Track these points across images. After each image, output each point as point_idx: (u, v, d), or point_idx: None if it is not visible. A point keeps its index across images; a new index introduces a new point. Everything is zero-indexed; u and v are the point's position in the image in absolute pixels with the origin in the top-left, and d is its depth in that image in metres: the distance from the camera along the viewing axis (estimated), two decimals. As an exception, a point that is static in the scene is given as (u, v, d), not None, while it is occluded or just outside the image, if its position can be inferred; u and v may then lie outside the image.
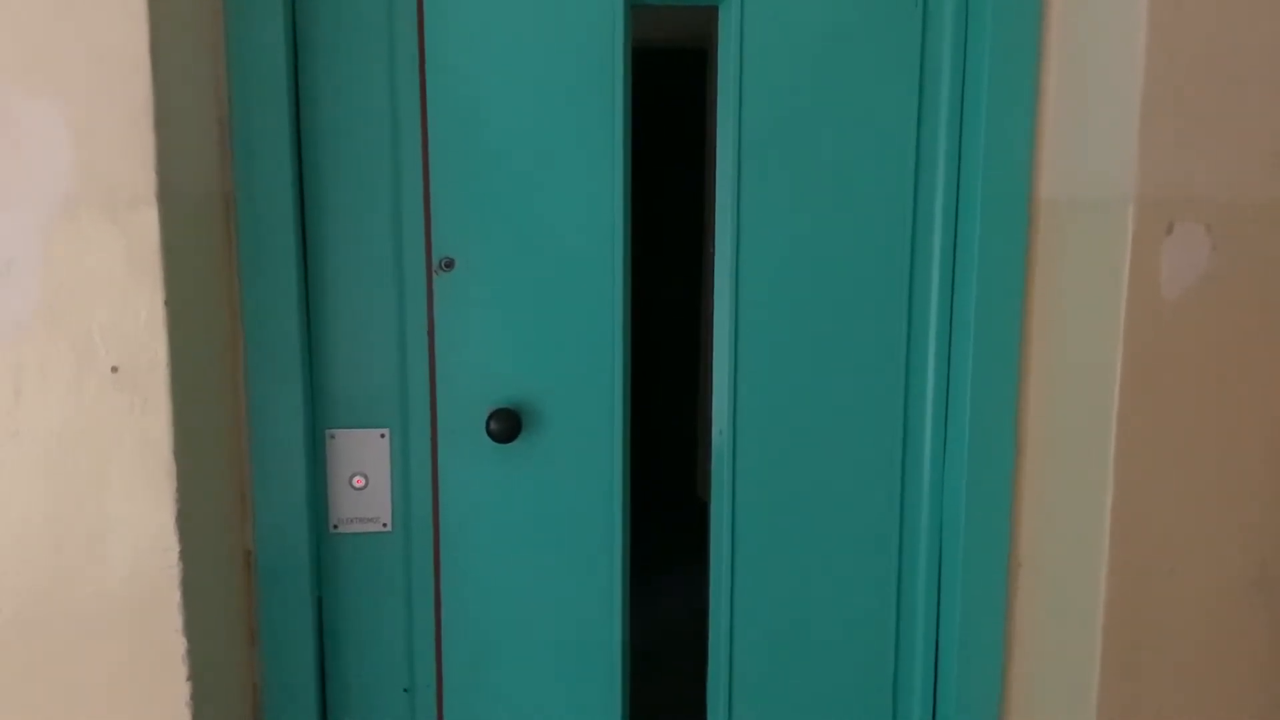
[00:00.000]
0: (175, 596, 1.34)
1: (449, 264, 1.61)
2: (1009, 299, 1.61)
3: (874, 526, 1.73)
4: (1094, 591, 1.47)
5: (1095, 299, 1.45)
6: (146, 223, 1.26)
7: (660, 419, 4.26)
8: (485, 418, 1.62)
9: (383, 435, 1.63)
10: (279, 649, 1.60)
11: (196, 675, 1.37)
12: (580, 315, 1.64)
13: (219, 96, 1.46)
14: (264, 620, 1.58)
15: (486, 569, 1.69)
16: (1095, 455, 1.45)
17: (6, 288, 1.26)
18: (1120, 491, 1.43)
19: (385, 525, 1.65)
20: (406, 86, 1.56)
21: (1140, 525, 1.45)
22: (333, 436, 1.62)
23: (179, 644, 1.35)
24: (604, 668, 1.74)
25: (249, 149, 1.48)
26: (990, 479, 1.65)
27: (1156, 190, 1.37)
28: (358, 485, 1.63)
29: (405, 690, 1.70)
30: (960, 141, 1.63)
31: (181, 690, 1.36)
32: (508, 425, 1.61)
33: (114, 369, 1.29)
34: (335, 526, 1.64)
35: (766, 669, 1.76)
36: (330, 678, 1.68)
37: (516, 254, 1.62)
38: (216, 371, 1.47)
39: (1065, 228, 1.54)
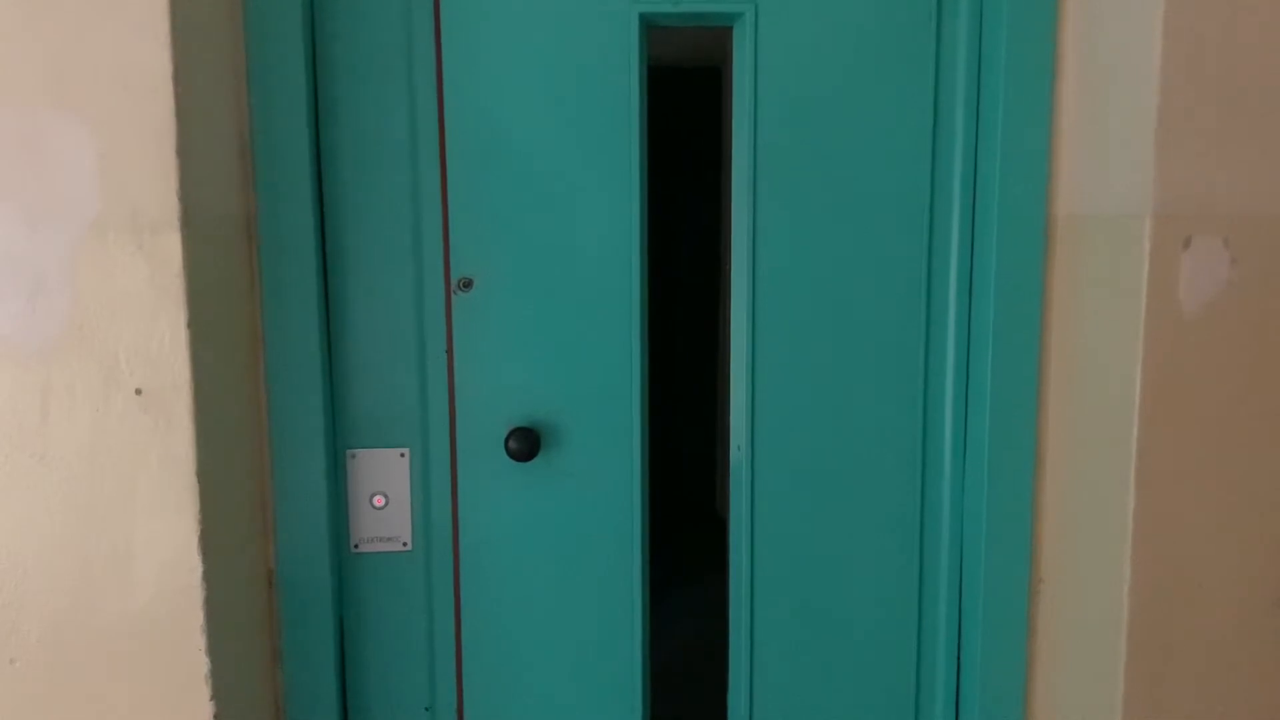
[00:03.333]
0: (198, 616, 1.35)
1: (467, 284, 1.62)
2: (1027, 314, 1.60)
3: (893, 543, 1.73)
4: (1116, 609, 1.46)
5: (1114, 314, 1.45)
6: (170, 246, 1.28)
7: (679, 435, 4.27)
8: (504, 436, 1.63)
9: (403, 455, 1.64)
10: (301, 668, 1.61)
11: (219, 695, 1.38)
12: (598, 333, 1.65)
13: (241, 120, 1.49)
14: (286, 639, 1.59)
15: (507, 587, 1.69)
16: (1116, 471, 1.45)
17: (35, 309, 1.28)
18: (1142, 507, 1.42)
19: (405, 544, 1.66)
20: (425, 108, 1.58)
21: (1162, 542, 1.44)
22: (353, 456, 1.63)
23: (202, 663, 1.36)
24: (625, 684, 1.74)
25: (270, 172, 1.51)
26: (1010, 495, 1.64)
27: (1174, 204, 1.37)
28: (378, 505, 1.65)
29: (426, 709, 1.70)
30: (976, 158, 1.64)
31: (205, 710, 1.37)
32: (527, 444, 1.61)
33: (138, 391, 1.31)
34: (356, 546, 1.65)
35: (787, 686, 1.76)
36: (352, 697, 1.68)
37: (534, 273, 1.63)
38: (239, 392, 1.49)
39: (1083, 242, 1.54)
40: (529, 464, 1.65)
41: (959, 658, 1.75)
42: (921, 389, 1.70)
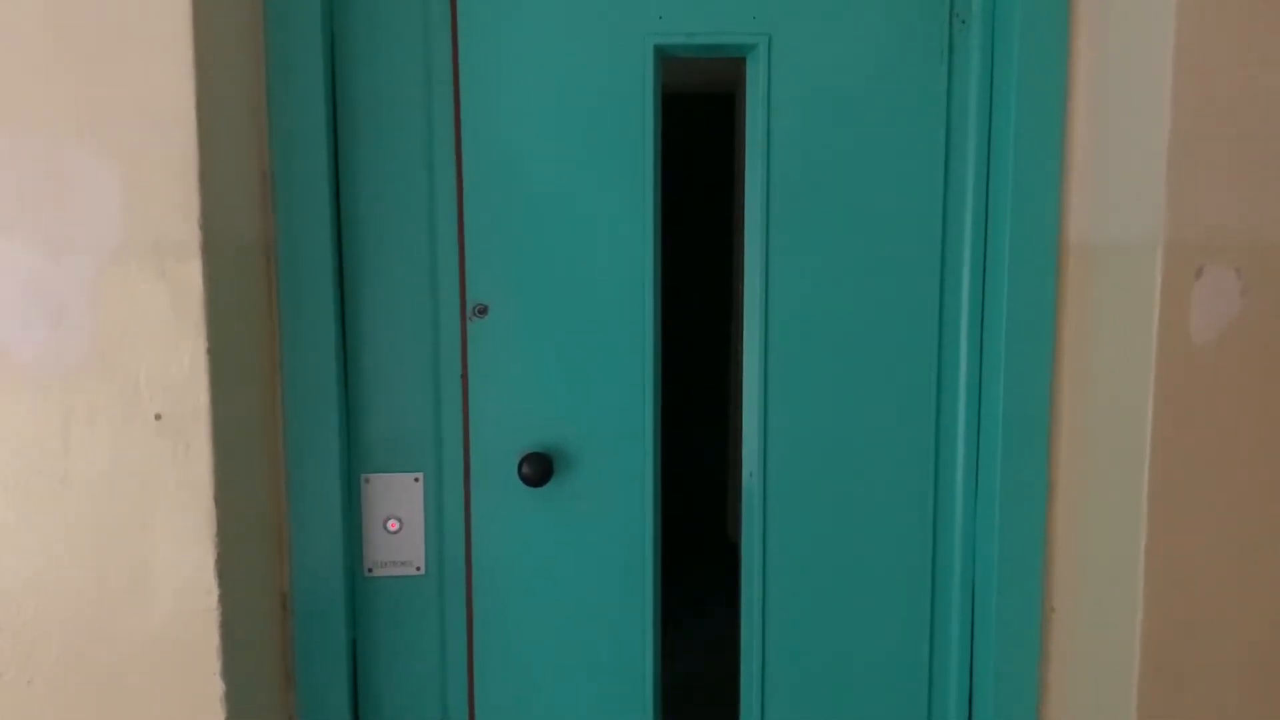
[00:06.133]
0: (214, 640, 1.36)
1: (482, 310, 1.63)
2: (1039, 343, 1.61)
3: (905, 570, 1.73)
4: (1129, 637, 1.45)
5: (1125, 343, 1.45)
6: (191, 273, 1.30)
7: (691, 461, 4.26)
8: (518, 462, 1.64)
9: (417, 479, 1.65)
10: (314, 692, 1.61)
11: (234, 718, 1.38)
12: (611, 359, 1.66)
13: (261, 148, 1.51)
14: (299, 663, 1.60)
15: (519, 612, 1.70)
16: (1128, 500, 1.44)
17: (58, 335, 1.30)
18: (1154, 536, 1.42)
19: (419, 569, 1.67)
20: (442, 136, 1.60)
21: (1175, 571, 1.44)
22: (368, 480, 1.64)
23: (217, 687, 1.37)
24: (637, 710, 1.73)
25: (289, 200, 1.53)
26: (1023, 524, 1.64)
27: (1185, 234, 1.38)
28: (392, 529, 1.65)
29: (438, 733, 1.71)
30: (988, 186, 1.64)
31: (219, 732, 1.38)
32: (540, 469, 1.62)
33: (157, 416, 1.32)
34: (370, 570, 1.66)
35: (798, 711, 1.75)
36: (364, 720, 1.69)
37: (549, 299, 1.64)
38: (256, 417, 1.50)
39: (1094, 272, 1.54)
40: (542, 489, 1.66)
41: (971, 685, 1.74)
42: (934, 416, 1.70)
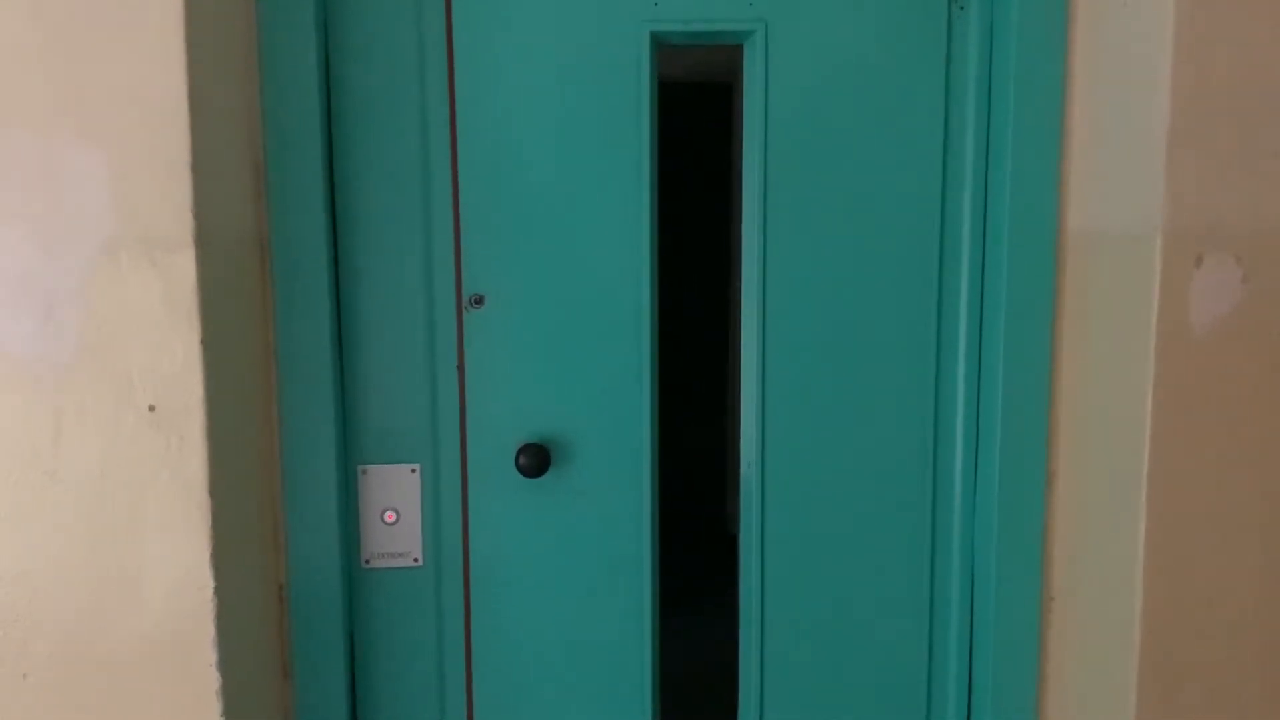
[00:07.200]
0: (210, 632, 1.36)
1: (479, 300, 1.63)
2: (1038, 332, 1.60)
3: (904, 560, 1.72)
4: (1128, 626, 1.45)
5: (1125, 331, 1.44)
6: (184, 265, 1.29)
7: (691, 452, 4.26)
8: (515, 452, 1.63)
9: (414, 470, 1.64)
10: (312, 683, 1.61)
11: (230, 710, 1.38)
12: (609, 349, 1.65)
13: (254, 138, 1.50)
14: (297, 655, 1.60)
15: (517, 603, 1.69)
16: (1128, 487, 1.44)
17: (49, 329, 1.29)
18: (1154, 523, 1.42)
19: (416, 560, 1.66)
20: (437, 127, 1.59)
21: (1175, 558, 1.43)
22: (364, 472, 1.64)
23: (213, 679, 1.36)
24: (635, 702, 1.73)
25: (283, 191, 1.52)
26: (1022, 512, 1.63)
27: (1184, 222, 1.37)
28: (389, 520, 1.65)
29: (436, 725, 1.71)
30: (986, 175, 1.64)
31: (216, 725, 1.37)
32: (537, 460, 1.62)
33: (151, 408, 1.31)
34: (367, 561, 1.66)
35: (797, 703, 1.75)
36: (362, 712, 1.68)
37: (546, 289, 1.63)
38: (251, 409, 1.50)
39: (1094, 260, 1.53)
40: (540, 480, 1.66)
41: (970, 675, 1.74)
42: (932, 406, 1.69)
